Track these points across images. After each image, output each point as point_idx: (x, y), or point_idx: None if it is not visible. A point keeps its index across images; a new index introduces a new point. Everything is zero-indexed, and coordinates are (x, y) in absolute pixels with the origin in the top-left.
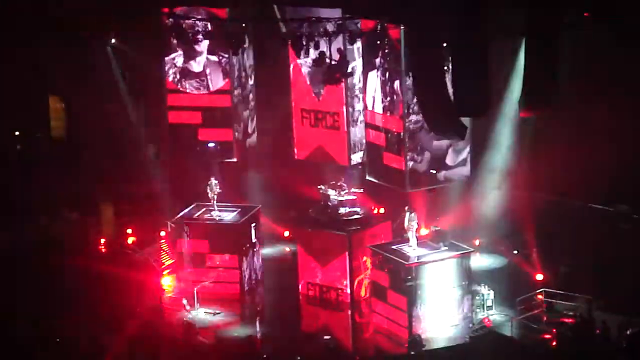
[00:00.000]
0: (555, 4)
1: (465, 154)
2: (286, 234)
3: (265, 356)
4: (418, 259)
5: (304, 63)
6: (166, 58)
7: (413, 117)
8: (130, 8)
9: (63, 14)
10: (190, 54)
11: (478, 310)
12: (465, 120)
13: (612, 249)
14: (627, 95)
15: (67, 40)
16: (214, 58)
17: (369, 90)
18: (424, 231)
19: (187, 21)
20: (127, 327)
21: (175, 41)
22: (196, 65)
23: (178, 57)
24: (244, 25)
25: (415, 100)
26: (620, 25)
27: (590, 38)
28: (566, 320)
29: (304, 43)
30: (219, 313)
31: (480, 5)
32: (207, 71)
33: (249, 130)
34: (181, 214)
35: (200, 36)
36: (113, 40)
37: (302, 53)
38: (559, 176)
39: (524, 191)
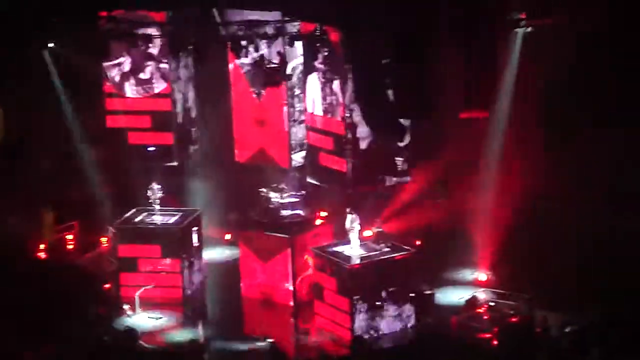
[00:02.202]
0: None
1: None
2: (227, 237)
3: None
4: (360, 260)
5: (244, 64)
6: (113, 62)
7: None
8: (66, 11)
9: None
10: (139, 63)
11: (419, 310)
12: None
13: (552, 247)
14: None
15: (3, 43)
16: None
17: (309, 93)
18: (366, 233)
19: (125, 25)
20: (66, 333)
21: (121, 46)
22: (144, 74)
23: (125, 63)
24: (183, 28)
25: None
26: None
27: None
28: (507, 319)
29: (244, 46)
30: (161, 317)
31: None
32: (153, 78)
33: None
34: (122, 218)
35: (139, 40)
36: (51, 45)
37: (242, 55)
38: (500, 177)
39: (464, 193)
